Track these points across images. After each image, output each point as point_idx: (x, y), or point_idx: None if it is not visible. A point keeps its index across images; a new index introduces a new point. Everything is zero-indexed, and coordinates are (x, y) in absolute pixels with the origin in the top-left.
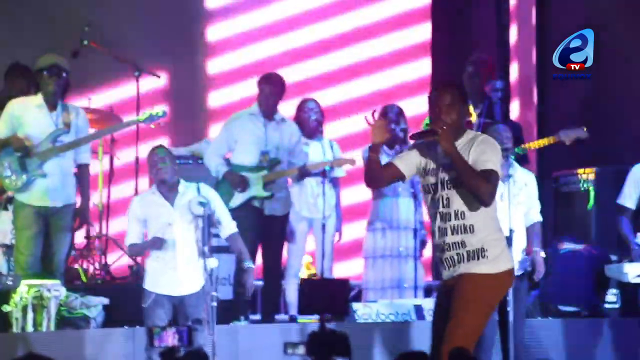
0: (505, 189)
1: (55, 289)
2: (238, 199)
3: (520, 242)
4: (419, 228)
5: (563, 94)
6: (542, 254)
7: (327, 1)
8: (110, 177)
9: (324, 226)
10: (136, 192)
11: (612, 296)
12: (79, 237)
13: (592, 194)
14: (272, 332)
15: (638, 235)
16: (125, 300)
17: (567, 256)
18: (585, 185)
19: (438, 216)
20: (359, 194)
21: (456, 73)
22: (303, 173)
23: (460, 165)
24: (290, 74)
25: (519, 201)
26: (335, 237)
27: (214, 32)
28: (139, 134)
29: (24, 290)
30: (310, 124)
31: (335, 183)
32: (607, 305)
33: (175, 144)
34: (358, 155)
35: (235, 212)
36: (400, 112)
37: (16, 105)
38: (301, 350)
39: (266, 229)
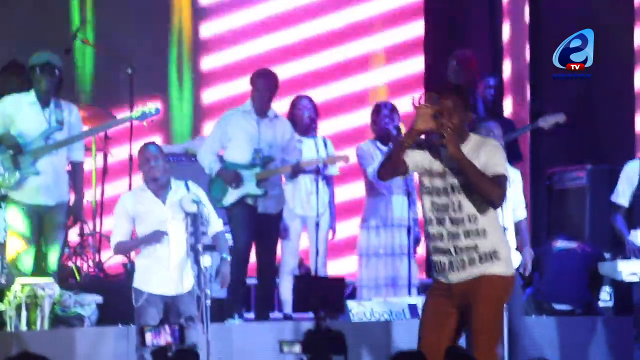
0: None
1: (49, 288)
2: (231, 196)
3: (512, 239)
4: (413, 225)
5: (556, 91)
6: (532, 252)
7: None
8: (104, 174)
9: (317, 224)
10: (130, 190)
11: (605, 294)
12: (73, 235)
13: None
14: (266, 330)
15: (632, 233)
16: (119, 298)
17: (561, 254)
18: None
19: (448, 220)
20: (352, 191)
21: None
22: (296, 170)
23: (470, 170)
24: (283, 71)
25: (508, 198)
26: (329, 235)
27: (207, 29)
28: (133, 130)
29: (18, 289)
30: (303, 121)
31: (329, 180)
32: (600, 303)
33: (168, 141)
34: (352, 153)
35: (228, 210)
36: (393, 109)
37: (8, 102)
38: (297, 348)
39: (260, 227)
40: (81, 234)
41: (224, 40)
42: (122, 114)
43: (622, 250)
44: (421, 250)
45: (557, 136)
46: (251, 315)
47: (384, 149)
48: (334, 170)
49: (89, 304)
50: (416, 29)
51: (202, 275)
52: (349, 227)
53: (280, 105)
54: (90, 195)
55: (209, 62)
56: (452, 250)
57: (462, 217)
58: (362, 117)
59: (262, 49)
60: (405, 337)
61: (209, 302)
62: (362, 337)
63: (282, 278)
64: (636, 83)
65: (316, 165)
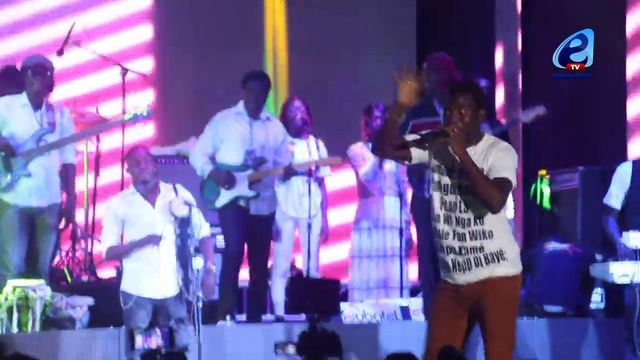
0: None
1: (40, 290)
2: (224, 198)
3: None
4: (405, 227)
5: (548, 93)
6: None
7: None
8: (97, 172)
9: (309, 226)
10: (122, 188)
11: (597, 296)
12: (65, 237)
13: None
14: (258, 332)
15: (624, 235)
16: (111, 301)
17: (553, 256)
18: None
19: (454, 219)
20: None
21: None
22: (289, 172)
23: (472, 171)
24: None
25: None
26: (321, 238)
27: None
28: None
29: (9, 291)
30: (296, 123)
31: (321, 182)
32: (592, 305)
33: (160, 138)
34: (343, 148)
35: (221, 212)
36: (386, 110)
37: (0, 104)
38: (291, 349)
39: (252, 229)
40: (73, 237)
41: None
42: (114, 117)
43: (614, 252)
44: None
45: (549, 138)
46: (243, 317)
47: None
48: (326, 171)
49: (80, 306)
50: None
51: (194, 278)
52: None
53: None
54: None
55: None
56: (458, 249)
57: (468, 218)
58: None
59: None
60: (397, 338)
61: (200, 304)
62: (354, 338)
63: (274, 280)
64: (628, 85)
65: (308, 167)
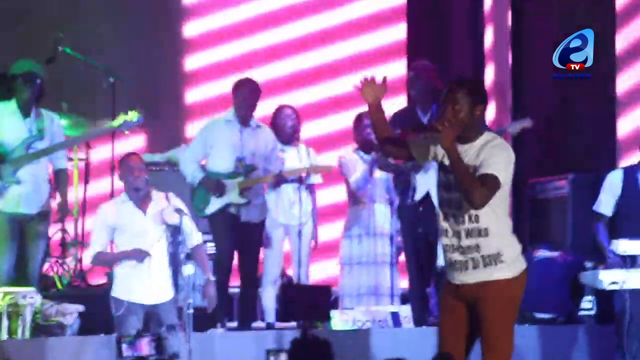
0: None
1: (30, 296)
2: (214, 205)
3: None
4: (395, 234)
5: (537, 99)
6: None
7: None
8: (86, 183)
9: (300, 232)
10: (112, 197)
11: (587, 303)
12: (55, 245)
13: None
14: (249, 339)
15: (613, 242)
16: (101, 307)
17: (543, 263)
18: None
19: (452, 218)
20: (335, 196)
21: None
22: (279, 180)
23: (457, 166)
24: (267, 72)
25: None
26: (311, 244)
27: (190, 30)
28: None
29: None
30: (286, 130)
31: (312, 189)
32: (582, 312)
33: (152, 146)
34: (334, 161)
35: (211, 219)
36: None
37: None
38: (283, 357)
39: (242, 236)
40: (63, 244)
41: (208, 40)
42: (103, 123)
43: (604, 259)
44: (403, 258)
45: (539, 145)
46: (234, 324)
47: (367, 157)
48: (316, 179)
49: (70, 313)
50: (398, 32)
51: (184, 285)
52: (331, 232)
53: (262, 109)
54: (73, 199)
55: (193, 62)
56: (455, 247)
57: (463, 216)
58: (344, 121)
59: (245, 49)
60: (388, 345)
61: (191, 311)
62: (345, 345)
63: (265, 287)
64: (617, 90)
65: (299, 174)
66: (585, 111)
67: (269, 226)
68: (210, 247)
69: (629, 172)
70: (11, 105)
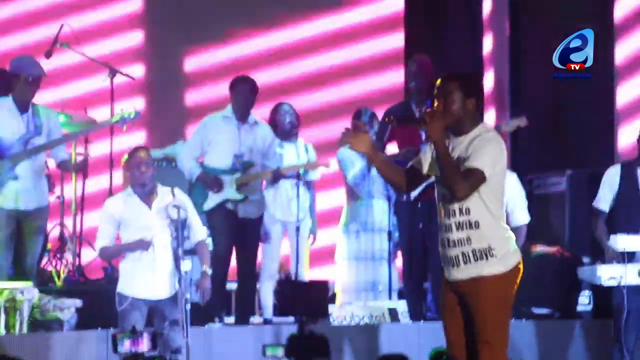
0: None
1: (28, 292)
2: (212, 201)
3: None
4: (393, 230)
5: (536, 96)
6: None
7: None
8: (84, 178)
9: (298, 229)
10: (110, 193)
11: (584, 298)
12: (53, 240)
13: None
14: (247, 334)
15: (612, 238)
16: (99, 302)
17: (540, 259)
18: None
19: (444, 211)
20: (334, 198)
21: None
22: (277, 176)
23: (442, 158)
24: (266, 77)
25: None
26: (310, 240)
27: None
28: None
29: None
30: (284, 126)
31: (310, 186)
32: (579, 307)
33: (151, 143)
34: (333, 159)
35: (209, 215)
36: (373, 116)
37: None
38: (279, 352)
39: (240, 232)
40: (61, 238)
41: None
42: (102, 119)
43: (601, 254)
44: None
45: (537, 142)
46: (231, 319)
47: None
48: (315, 175)
49: (68, 308)
50: (397, 40)
51: (182, 280)
52: (330, 235)
53: (261, 112)
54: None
55: (192, 64)
56: (447, 242)
57: (454, 209)
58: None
59: (245, 53)
60: (386, 340)
61: (189, 306)
62: (343, 340)
63: (263, 283)
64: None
65: (297, 170)
66: (583, 107)
67: (267, 222)
68: (208, 243)
69: (627, 167)
70: (8, 102)
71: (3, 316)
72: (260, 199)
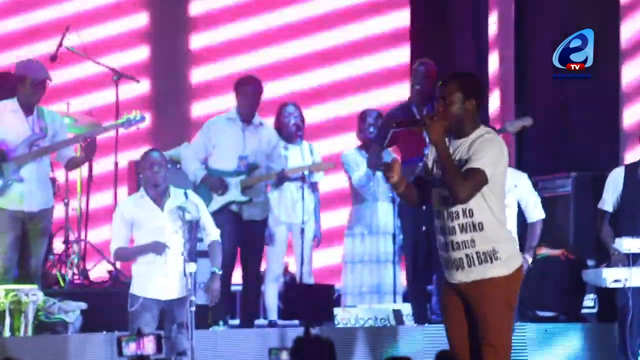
0: None
1: (32, 294)
2: (216, 203)
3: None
4: (398, 233)
5: (542, 98)
6: (529, 259)
7: (311, 14)
8: (89, 183)
9: (302, 231)
10: (115, 199)
11: (589, 301)
12: (58, 242)
13: None
14: (251, 337)
15: (617, 241)
16: (104, 305)
17: (545, 261)
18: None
19: (446, 213)
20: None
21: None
22: (281, 178)
23: (444, 160)
24: (275, 86)
25: (507, 204)
26: (314, 242)
27: (197, 40)
28: (119, 142)
29: (1, 295)
30: (289, 128)
31: (315, 188)
32: (584, 310)
33: (155, 144)
34: (335, 144)
35: (213, 217)
36: (379, 117)
37: None
38: (284, 355)
39: (245, 234)
40: (66, 241)
41: (214, 52)
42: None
43: (606, 257)
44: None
45: (542, 144)
46: (236, 321)
47: (365, 155)
48: (319, 176)
49: (72, 310)
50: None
51: (187, 282)
52: (334, 237)
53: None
54: (76, 204)
55: (199, 74)
56: (450, 245)
57: (457, 211)
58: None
59: (251, 64)
60: (390, 343)
61: (193, 308)
62: (347, 343)
63: (267, 285)
64: (622, 86)
65: (302, 172)
66: (588, 110)
67: (272, 224)
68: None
69: (631, 168)
70: (13, 104)
71: (8, 318)
72: (265, 201)
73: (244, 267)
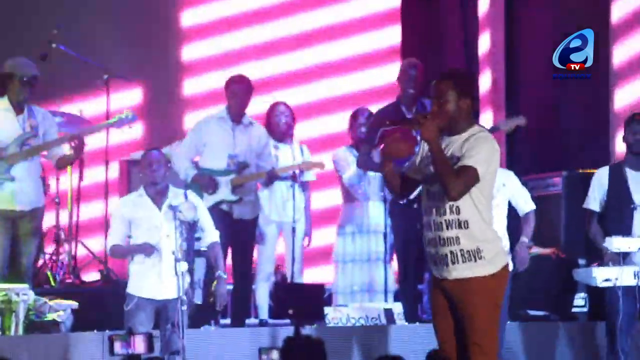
0: None
1: (23, 293)
2: (207, 202)
3: (505, 240)
4: (389, 232)
5: (532, 97)
6: (526, 241)
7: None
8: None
9: (293, 230)
10: (106, 210)
11: (580, 300)
12: (49, 241)
13: None
14: (243, 336)
15: (607, 240)
16: (95, 304)
17: (536, 260)
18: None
19: (434, 210)
20: (329, 198)
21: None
22: (271, 177)
23: (437, 158)
24: (261, 69)
25: (496, 204)
26: (304, 241)
27: (188, 19)
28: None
29: None
30: (280, 127)
31: (305, 187)
32: (575, 309)
33: (148, 142)
34: (328, 159)
35: None
36: (370, 116)
37: None
38: (274, 355)
39: (235, 233)
40: (57, 240)
41: (204, 32)
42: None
43: (597, 256)
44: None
45: (532, 143)
46: (227, 321)
47: (356, 153)
48: (310, 176)
49: (64, 309)
50: (393, 34)
51: (177, 281)
52: (325, 236)
53: (255, 104)
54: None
55: (189, 53)
56: (436, 240)
57: (445, 207)
58: (340, 121)
59: (242, 43)
60: (382, 342)
61: (184, 307)
62: (338, 342)
63: (258, 284)
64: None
65: (292, 171)
66: (579, 108)
67: (262, 223)
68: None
69: (616, 168)
70: (3, 102)
71: None
72: (255, 200)
73: (235, 266)
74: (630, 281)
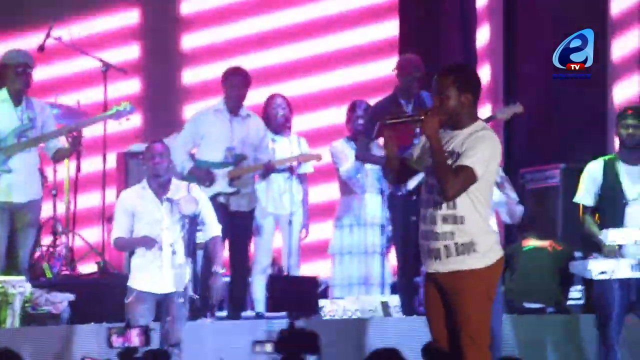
0: None
1: (20, 285)
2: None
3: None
4: (386, 224)
5: (529, 89)
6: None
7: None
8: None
9: (290, 222)
10: (103, 202)
11: (576, 293)
12: (46, 233)
13: None
14: (239, 328)
15: (603, 232)
16: (92, 296)
17: (533, 253)
18: None
19: (432, 202)
20: (327, 192)
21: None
22: (268, 169)
23: (436, 155)
24: (260, 60)
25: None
26: (302, 234)
27: (187, 8)
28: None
29: None
30: (277, 119)
31: (303, 179)
32: (572, 302)
33: (146, 134)
34: (325, 151)
35: None
36: (368, 108)
37: None
38: (269, 347)
39: (232, 225)
40: (53, 232)
41: (204, 20)
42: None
43: (593, 249)
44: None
45: (530, 135)
46: (223, 313)
47: (354, 145)
48: (307, 168)
49: (60, 302)
50: (391, 27)
51: (175, 274)
52: (322, 229)
53: (254, 97)
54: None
55: (189, 42)
56: (431, 234)
57: (441, 201)
58: (338, 113)
59: (241, 35)
60: (378, 334)
61: (181, 299)
62: (335, 334)
63: (255, 277)
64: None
65: (289, 163)
66: (576, 101)
67: (259, 215)
68: (200, 237)
69: (609, 162)
70: (2, 94)
71: None
72: (252, 192)
73: (232, 259)
74: (627, 273)
